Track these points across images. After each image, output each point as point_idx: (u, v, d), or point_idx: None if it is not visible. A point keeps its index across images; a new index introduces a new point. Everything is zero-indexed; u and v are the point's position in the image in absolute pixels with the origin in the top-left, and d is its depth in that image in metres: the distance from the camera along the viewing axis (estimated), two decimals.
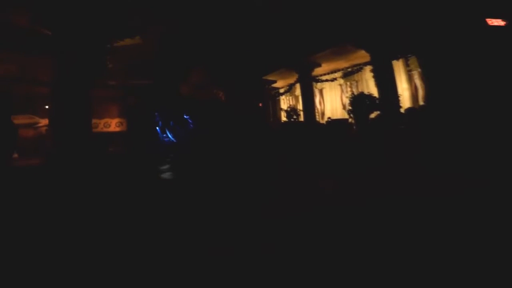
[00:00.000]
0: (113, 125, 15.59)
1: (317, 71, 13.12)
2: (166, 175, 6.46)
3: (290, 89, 14.95)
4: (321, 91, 15.16)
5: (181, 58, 14.19)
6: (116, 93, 14.89)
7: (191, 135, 15.43)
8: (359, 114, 9.42)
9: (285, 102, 16.86)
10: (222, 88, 16.19)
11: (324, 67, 12.98)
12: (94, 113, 15.73)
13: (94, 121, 16.04)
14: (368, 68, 11.48)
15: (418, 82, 10.25)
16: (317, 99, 14.78)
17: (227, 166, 6.95)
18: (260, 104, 16.08)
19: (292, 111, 14.37)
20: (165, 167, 7.75)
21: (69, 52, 6.97)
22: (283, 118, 16.03)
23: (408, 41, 8.37)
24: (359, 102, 9.40)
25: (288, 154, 8.50)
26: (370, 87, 11.51)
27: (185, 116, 16.56)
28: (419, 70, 9.88)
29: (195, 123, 15.90)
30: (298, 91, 15.58)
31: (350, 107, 9.84)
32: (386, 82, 8.90)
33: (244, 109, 15.29)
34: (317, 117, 13.97)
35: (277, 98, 17.01)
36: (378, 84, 9.09)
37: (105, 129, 15.51)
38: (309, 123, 12.35)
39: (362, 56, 11.01)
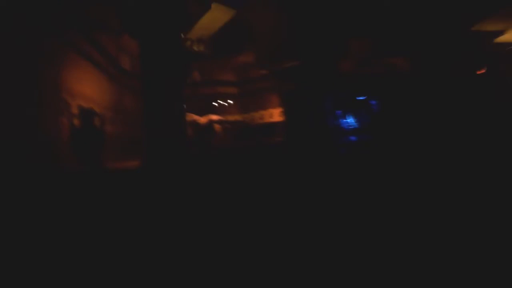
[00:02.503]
0: (276, 115, 15.05)
1: None
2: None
3: None
4: None
5: (336, 29, 10.70)
6: (273, 82, 13.95)
7: (375, 120, 12.10)
8: None
9: None
10: (402, 56, 10.87)
11: None
12: (258, 104, 16.03)
13: (260, 112, 16.40)
14: None
15: None
16: None
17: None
18: (481, 70, 9.31)
19: None
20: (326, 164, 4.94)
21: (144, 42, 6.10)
22: None
23: None
24: None
25: None
26: None
27: (359, 98, 13.20)
28: None
29: (379, 106, 12.23)
30: None
31: None
32: None
33: (445, 82, 9.57)
34: None
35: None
36: None
37: (270, 120, 15.35)
38: None
39: None
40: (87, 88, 8.89)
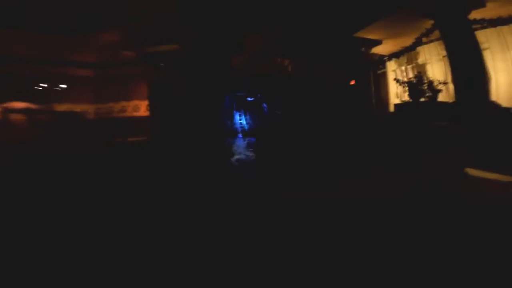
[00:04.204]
0: (143, 108, 11.95)
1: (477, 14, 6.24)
2: None
3: (407, 52, 8.20)
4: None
5: (234, 21, 9.21)
6: (146, 68, 10.97)
7: (264, 122, 11.25)
8: None
9: (397, 74, 9.95)
10: (290, 57, 10.57)
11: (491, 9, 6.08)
12: (122, 94, 12.55)
13: (122, 104, 12.85)
14: None
15: None
16: None
17: None
18: (352, 82, 9.91)
19: (421, 84, 7.24)
20: None
21: None
22: (397, 98, 9.44)
23: None
24: None
25: None
26: None
27: (248, 99, 12.47)
28: None
29: (270, 108, 11.54)
30: (423, 56, 8.80)
31: None
32: None
33: (325, 86, 9.53)
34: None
35: (379, 70, 10.34)
36: None
37: (135, 114, 12.05)
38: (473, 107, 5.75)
39: None
40: None
